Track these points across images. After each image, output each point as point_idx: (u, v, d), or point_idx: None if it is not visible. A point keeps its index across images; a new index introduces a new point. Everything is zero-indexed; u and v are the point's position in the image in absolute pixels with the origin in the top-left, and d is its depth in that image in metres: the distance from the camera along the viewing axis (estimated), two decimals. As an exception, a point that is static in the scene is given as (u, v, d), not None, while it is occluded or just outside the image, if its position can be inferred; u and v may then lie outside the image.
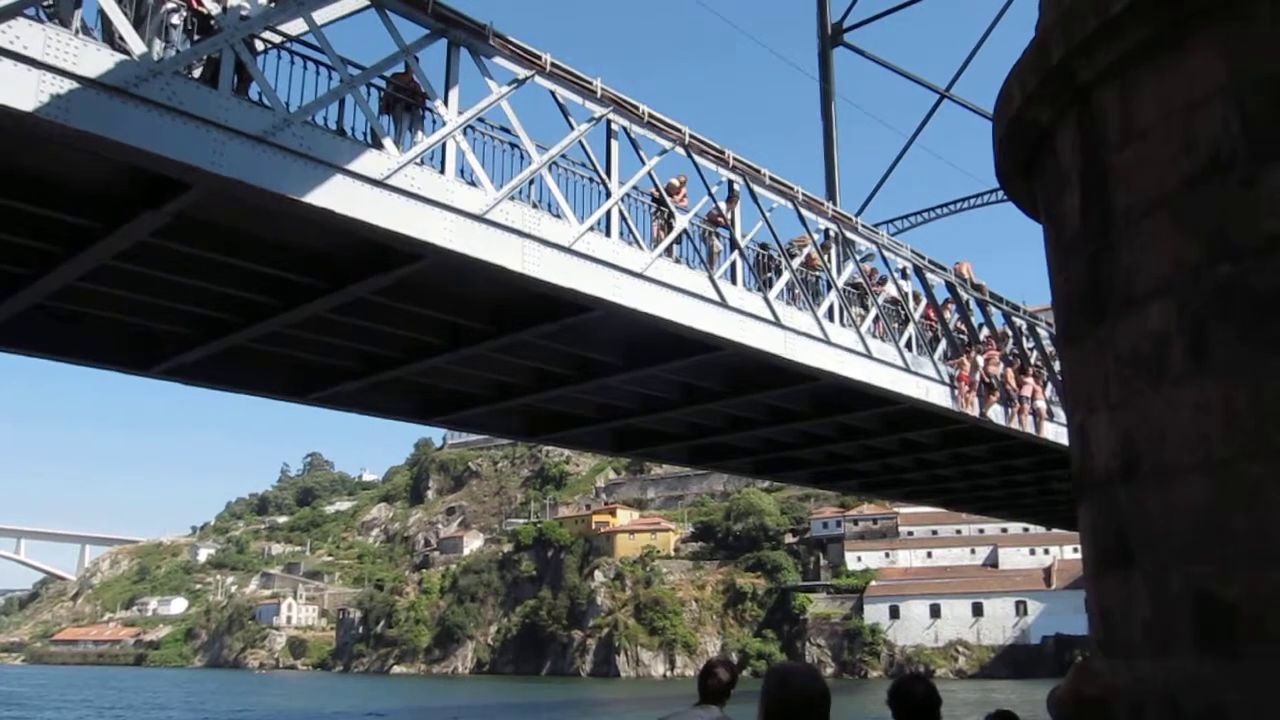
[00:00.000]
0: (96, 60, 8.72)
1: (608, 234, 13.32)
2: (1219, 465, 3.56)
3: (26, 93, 8.30)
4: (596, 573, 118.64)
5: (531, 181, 12.57)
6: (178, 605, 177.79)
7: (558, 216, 12.63)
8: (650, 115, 13.84)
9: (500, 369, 17.03)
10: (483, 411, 19.26)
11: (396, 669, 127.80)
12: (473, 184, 11.72)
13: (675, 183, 14.89)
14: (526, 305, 13.96)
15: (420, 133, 11.73)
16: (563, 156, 13.04)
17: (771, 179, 15.78)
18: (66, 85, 8.52)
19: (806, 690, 2.80)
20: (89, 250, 11.04)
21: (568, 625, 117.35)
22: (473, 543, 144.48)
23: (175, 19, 9.68)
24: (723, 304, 14.67)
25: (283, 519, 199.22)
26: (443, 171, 11.50)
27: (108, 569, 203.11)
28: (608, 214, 13.35)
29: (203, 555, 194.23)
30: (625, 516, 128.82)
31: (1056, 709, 3.44)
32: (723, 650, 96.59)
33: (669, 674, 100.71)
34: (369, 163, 10.60)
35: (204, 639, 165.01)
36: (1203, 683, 3.59)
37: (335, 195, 10.31)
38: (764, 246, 16.17)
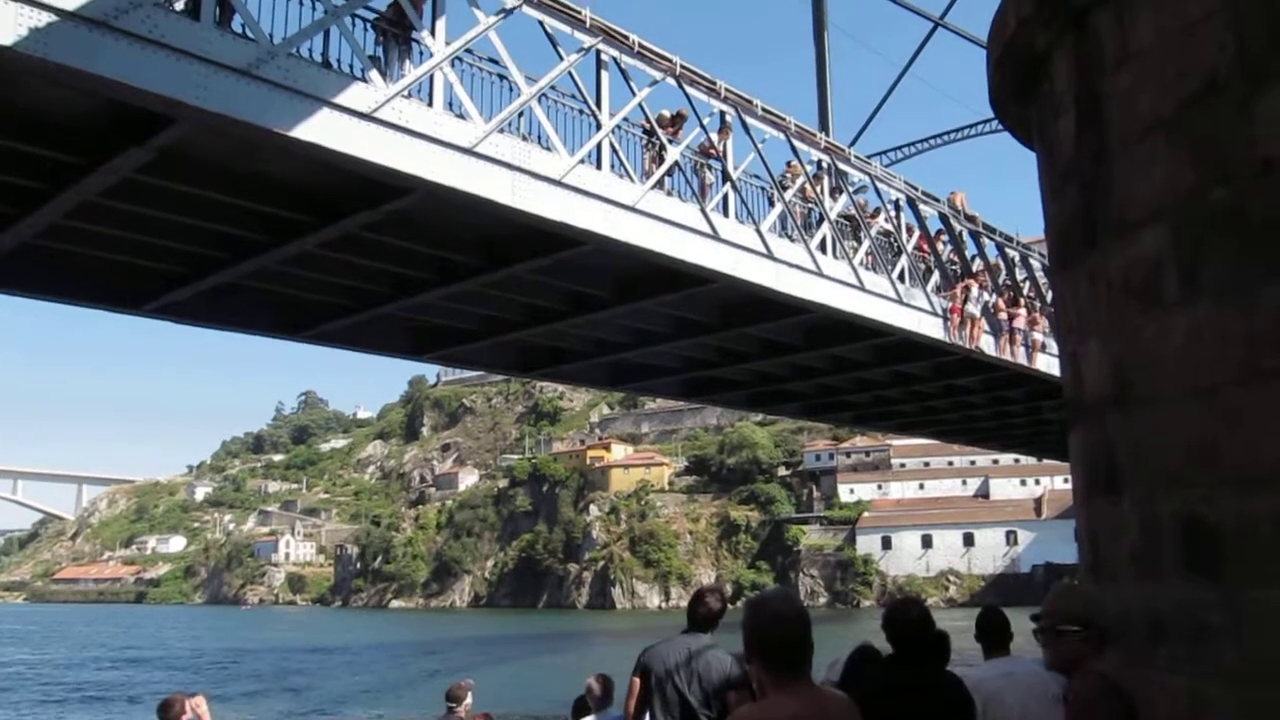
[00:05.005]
0: (74, -9, 8.54)
1: (599, 167, 13.18)
2: (1210, 391, 3.56)
3: (5, 26, 8.12)
4: (591, 507, 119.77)
5: (521, 114, 12.39)
6: (176, 543, 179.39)
7: (548, 149, 12.48)
8: (640, 45, 13.63)
9: (492, 304, 16.95)
10: (476, 347, 19.22)
11: (395, 603, 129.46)
12: (461, 117, 11.57)
13: (666, 115, 14.71)
14: (518, 239, 13.86)
15: (408, 64, 11.56)
16: (552, 88, 12.83)
17: (764, 110, 15.60)
18: (45, 18, 8.34)
19: (782, 614, 2.84)
20: (74, 187, 10.90)
21: (563, 559, 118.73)
22: (468, 479, 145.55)
23: (154, -51, 9.46)
24: (715, 236, 14.58)
25: (279, 457, 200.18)
26: (431, 104, 11.34)
27: (105, 508, 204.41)
28: (598, 146, 13.19)
29: (200, 494, 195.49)
30: (619, 451, 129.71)
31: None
32: (717, 581, 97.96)
33: (664, 605, 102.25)
34: (356, 96, 10.44)
35: (203, 576, 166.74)
36: (1188, 606, 3.64)
37: (322, 129, 10.17)
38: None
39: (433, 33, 11.31)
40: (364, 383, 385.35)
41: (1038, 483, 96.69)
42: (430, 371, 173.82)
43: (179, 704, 7.77)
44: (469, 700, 9.06)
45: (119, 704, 37.53)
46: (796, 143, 16.22)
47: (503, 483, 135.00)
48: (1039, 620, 3.87)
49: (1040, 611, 3.89)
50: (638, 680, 5.47)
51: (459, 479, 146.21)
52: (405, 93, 10.91)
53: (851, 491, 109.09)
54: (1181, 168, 3.71)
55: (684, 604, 5.79)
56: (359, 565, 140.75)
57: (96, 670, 50.16)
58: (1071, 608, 3.89)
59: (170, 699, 7.87)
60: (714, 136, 14.97)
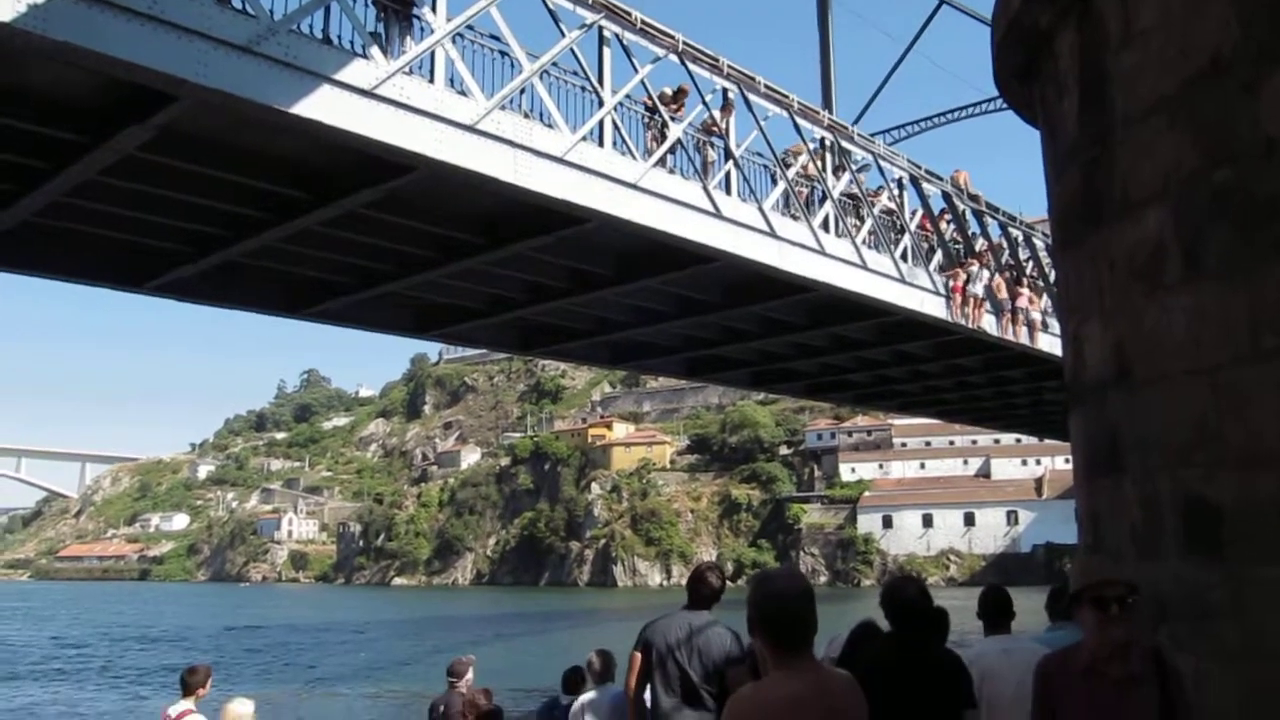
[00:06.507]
0: (74, -33, 8.48)
1: (601, 144, 13.13)
2: (1211, 371, 3.57)
3: (4, 2, 8.10)
4: (593, 485, 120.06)
5: (523, 91, 12.32)
6: (179, 521, 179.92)
7: (550, 127, 12.43)
8: (643, 22, 13.54)
9: (494, 282, 16.94)
10: (478, 325, 19.21)
11: (397, 581, 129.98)
12: (463, 94, 11.51)
13: (668, 91, 14.64)
14: (519, 217, 13.82)
15: (409, 40, 11.49)
16: (554, 65, 12.76)
17: (767, 87, 15.52)
18: (45, -6, 8.30)
19: (785, 591, 2.86)
20: (75, 165, 10.87)
21: (565, 537, 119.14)
22: (470, 456, 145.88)
23: (154, -76, 9.39)
24: (717, 214, 14.54)
25: (281, 435, 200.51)
26: (432, 81, 11.28)
27: (109, 486, 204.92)
28: (600, 124, 13.12)
29: (203, 472, 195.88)
30: (621, 430, 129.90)
31: None
32: (718, 559, 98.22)
33: (665, 583, 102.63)
34: (357, 72, 10.39)
35: (206, 554, 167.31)
36: (1189, 583, 3.65)
37: (323, 106, 10.13)
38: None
39: (434, 9, 11.24)
40: (366, 361, 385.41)
41: (1039, 463, 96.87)
42: (432, 349, 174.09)
43: (202, 671, 8.14)
44: (470, 675, 9.12)
45: (128, 677, 37.77)
46: (799, 120, 16.16)
47: (505, 461, 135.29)
48: (1089, 592, 3.14)
49: (1087, 583, 3.18)
50: (639, 655, 5.51)
51: (461, 457, 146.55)
52: (406, 69, 10.86)
53: (853, 471, 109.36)
54: (1184, 148, 3.70)
55: (685, 582, 5.82)
56: (361, 543, 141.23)
57: (102, 646, 50.43)
58: (1124, 574, 3.22)
59: (195, 667, 8.21)
60: (716, 114, 14.90)
